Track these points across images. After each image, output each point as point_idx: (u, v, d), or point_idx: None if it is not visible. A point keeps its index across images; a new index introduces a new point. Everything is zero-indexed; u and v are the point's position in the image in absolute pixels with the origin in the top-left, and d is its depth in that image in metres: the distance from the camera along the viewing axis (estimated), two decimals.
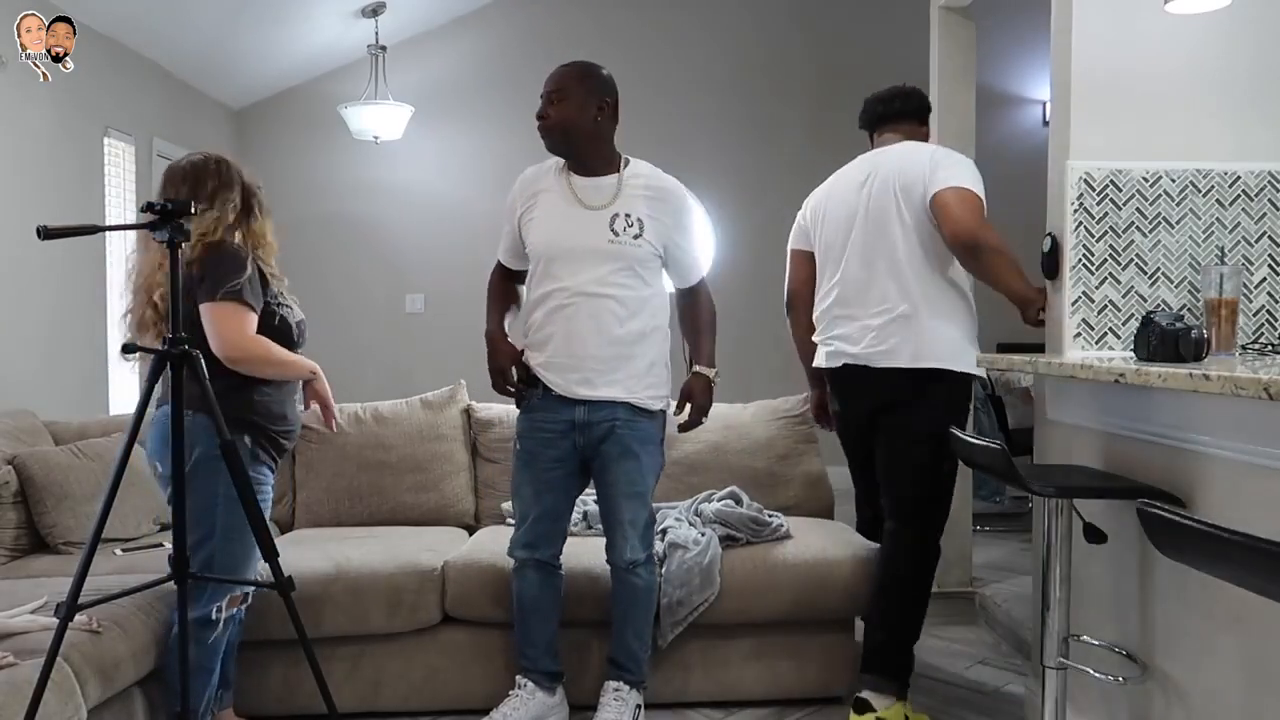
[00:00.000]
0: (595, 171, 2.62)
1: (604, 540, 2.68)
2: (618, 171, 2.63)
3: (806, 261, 3.00)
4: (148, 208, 2.06)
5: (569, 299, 2.57)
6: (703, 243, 2.46)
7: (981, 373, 2.90)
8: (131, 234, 4.67)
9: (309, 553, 2.90)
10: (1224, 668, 1.92)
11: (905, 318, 2.67)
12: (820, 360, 2.91)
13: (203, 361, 2.13)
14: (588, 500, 3.07)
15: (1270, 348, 2.50)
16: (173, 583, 2.18)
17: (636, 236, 2.56)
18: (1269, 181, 2.54)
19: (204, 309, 2.33)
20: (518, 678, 2.71)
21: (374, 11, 5.55)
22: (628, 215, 2.57)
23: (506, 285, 2.80)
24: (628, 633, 2.67)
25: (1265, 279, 2.56)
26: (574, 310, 2.56)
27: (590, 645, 2.85)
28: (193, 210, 2.12)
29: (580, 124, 2.57)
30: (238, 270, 2.35)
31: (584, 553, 2.84)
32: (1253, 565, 1.27)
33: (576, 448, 2.61)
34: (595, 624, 2.81)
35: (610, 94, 2.62)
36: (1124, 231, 2.54)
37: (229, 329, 2.33)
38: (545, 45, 6.25)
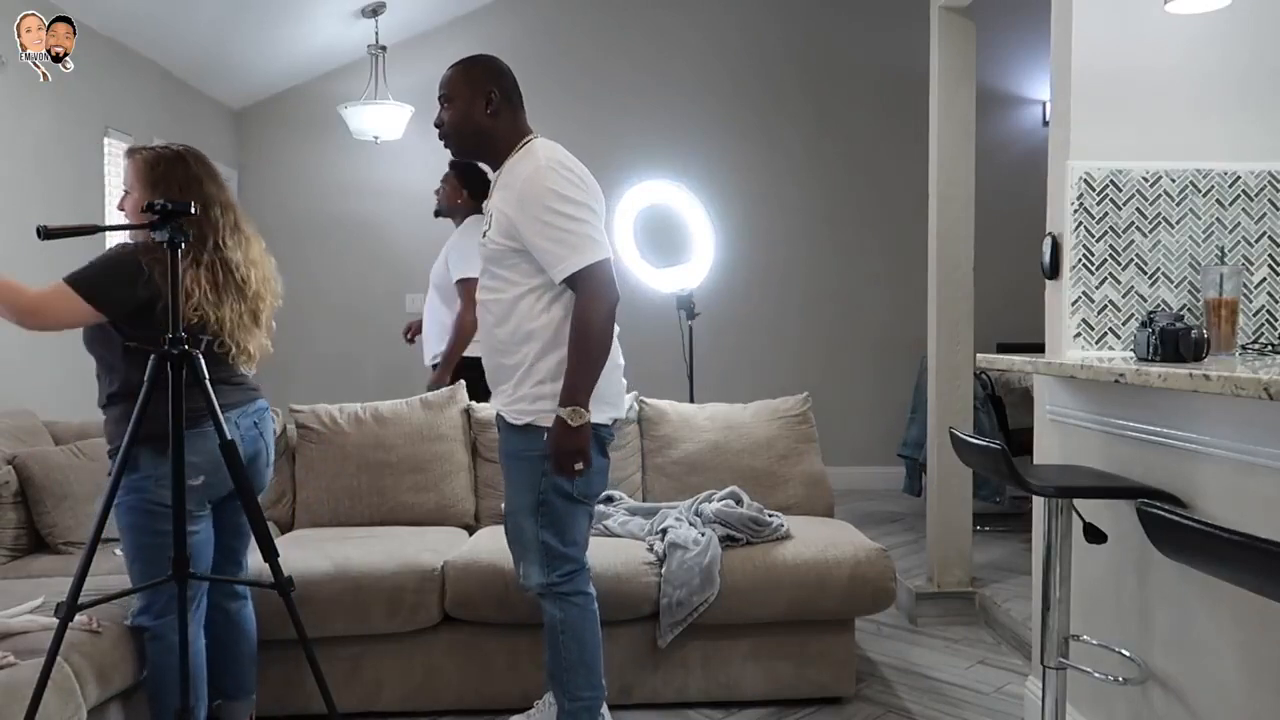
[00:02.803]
0: (499, 167, 2.45)
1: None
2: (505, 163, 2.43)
3: None
4: (148, 208, 2.06)
5: None
6: (575, 234, 2.20)
7: None
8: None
9: (309, 553, 2.90)
10: (1224, 668, 1.92)
11: None
12: None
13: (202, 361, 2.13)
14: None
15: (1270, 348, 2.50)
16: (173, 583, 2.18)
17: (486, 234, 2.39)
18: (1269, 181, 2.54)
19: None
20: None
21: (374, 11, 5.55)
22: (490, 214, 2.40)
23: None
24: (554, 666, 2.48)
25: (1265, 279, 2.56)
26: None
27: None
28: (192, 211, 2.11)
29: (469, 122, 2.39)
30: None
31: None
32: (1253, 565, 1.27)
33: None
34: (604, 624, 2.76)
35: (496, 81, 2.40)
36: (1124, 231, 2.54)
37: None
38: (544, 45, 6.26)
